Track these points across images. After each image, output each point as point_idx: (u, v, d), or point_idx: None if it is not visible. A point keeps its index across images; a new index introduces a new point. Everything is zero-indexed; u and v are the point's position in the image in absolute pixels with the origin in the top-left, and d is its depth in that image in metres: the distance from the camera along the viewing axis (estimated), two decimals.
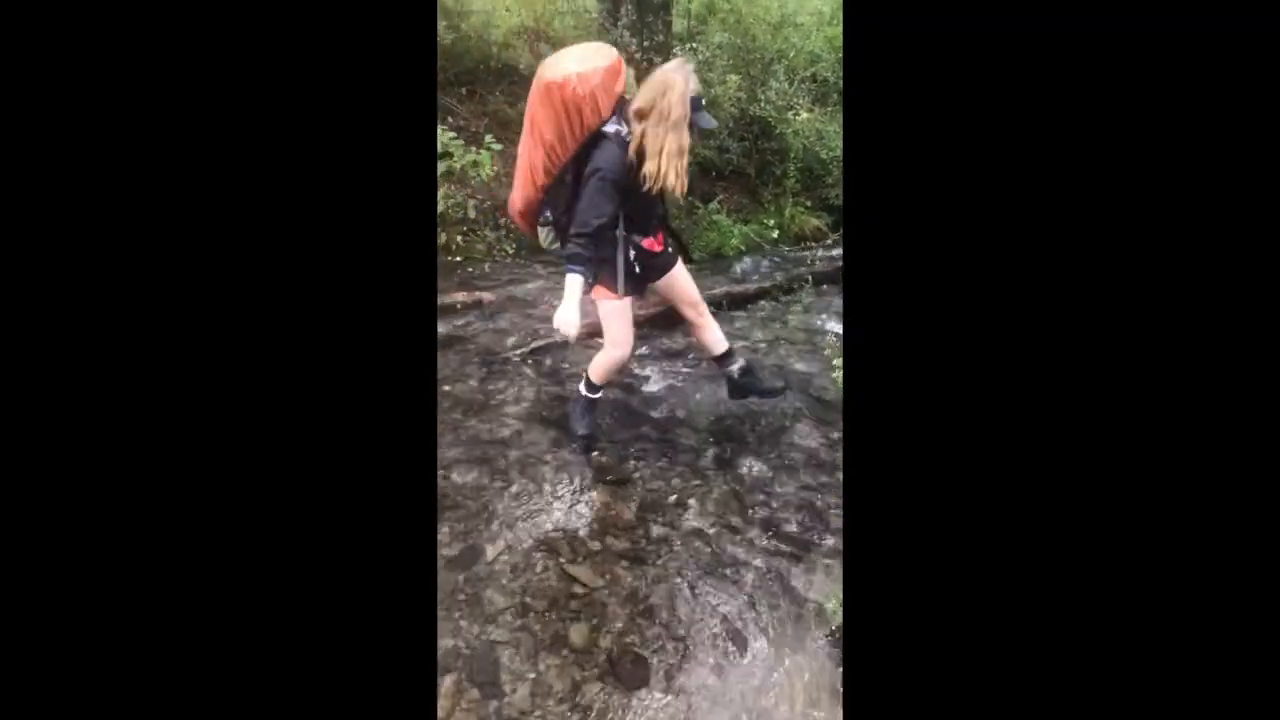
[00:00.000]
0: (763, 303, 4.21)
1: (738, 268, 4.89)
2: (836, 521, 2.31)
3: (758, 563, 2.13)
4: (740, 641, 1.85)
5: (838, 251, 5.30)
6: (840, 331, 3.75)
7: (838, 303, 4.23)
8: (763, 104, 5.65)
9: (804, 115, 5.88)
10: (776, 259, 5.12)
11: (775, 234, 5.44)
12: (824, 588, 2.03)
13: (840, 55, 6.35)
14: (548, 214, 2.40)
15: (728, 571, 2.09)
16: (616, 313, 2.45)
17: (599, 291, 2.40)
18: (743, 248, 5.23)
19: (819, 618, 1.93)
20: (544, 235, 2.49)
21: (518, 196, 2.40)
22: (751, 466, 2.61)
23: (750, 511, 2.36)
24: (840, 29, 6.50)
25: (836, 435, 2.78)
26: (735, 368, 2.73)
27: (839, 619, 1.89)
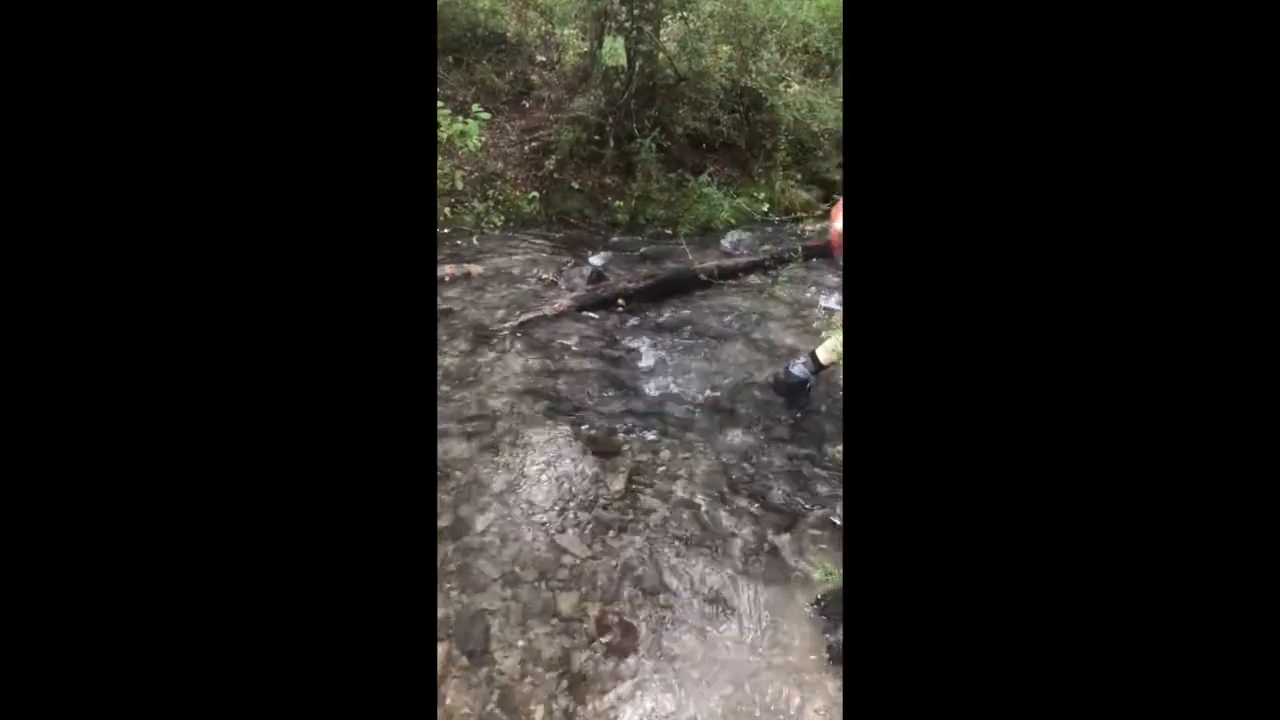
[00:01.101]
0: (753, 275, 4.21)
1: (727, 241, 4.87)
2: (823, 490, 2.34)
3: (745, 532, 2.15)
4: (728, 609, 1.87)
5: (826, 224, 5.30)
6: (828, 305, 3.76)
7: (827, 276, 4.23)
8: (754, 75, 5.57)
9: (795, 87, 5.82)
10: (767, 231, 5.11)
11: (765, 207, 5.41)
12: (811, 556, 2.05)
13: (833, 26, 6.27)
14: None
15: (715, 541, 2.11)
16: None
17: None
18: (733, 220, 5.20)
19: (805, 586, 1.95)
20: None
21: None
22: (739, 438, 2.62)
23: (738, 482, 2.38)
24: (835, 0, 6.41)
25: (824, 407, 2.79)
26: (811, 376, 2.78)
27: (825, 587, 1.92)
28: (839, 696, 1.63)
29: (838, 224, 2.43)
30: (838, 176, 5.88)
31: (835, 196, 5.77)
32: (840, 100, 5.93)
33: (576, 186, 5.23)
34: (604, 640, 1.77)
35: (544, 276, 3.97)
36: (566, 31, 6.06)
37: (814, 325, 3.45)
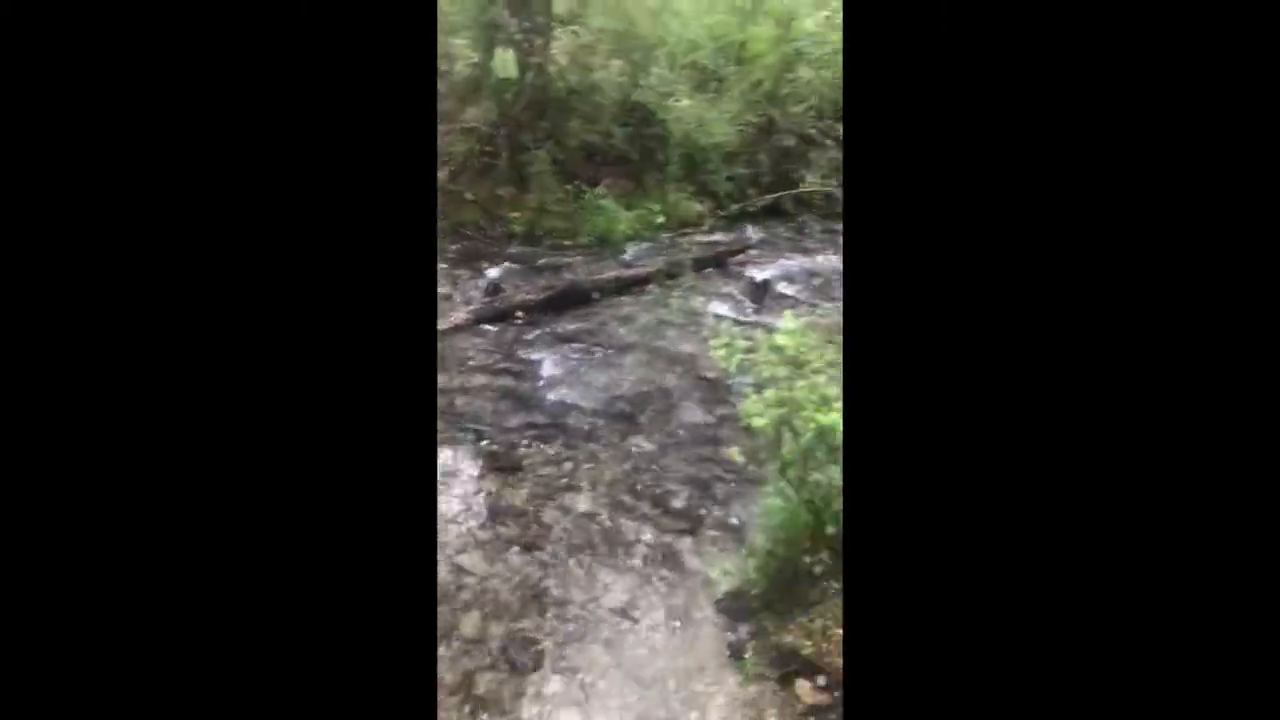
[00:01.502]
0: (650, 285, 4.29)
1: (627, 253, 4.95)
2: (722, 492, 2.41)
3: (647, 539, 2.19)
4: (631, 617, 1.90)
5: (717, 236, 5.49)
6: (720, 313, 3.90)
7: (717, 285, 4.39)
8: (645, 89, 5.69)
9: (685, 102, 5.99)
10: (662, 242, 5.23)
11: (660, 219, 5.53)
12: (711, 559, 2.11)
13: (719, 45, 6.51)
14: None
15: (618, 550, 2.13)
16: None
17: None
18: (629, 232, 5.28)
19: (706, 588, 2.01)
20: None
21: None
22: (641, 445, 2.66)
23: (639, 489, 2.41)
24: (720, 19, 6.66)
25: (721, 412, 2.88)
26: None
27: (724, 588, 1.98)
28: (740, 693, 1.69)
29: None
30: (726, 189, 6.09)
31: (720, 212, 5.98)
32: (728, 115, 6.15)
33: (470, 198, 5.15)
34: (507, 659, 1.75)
35: (438, 290, 3.88)
36: (456, 42, 5.96)
37: (704, 334, 3.55)
